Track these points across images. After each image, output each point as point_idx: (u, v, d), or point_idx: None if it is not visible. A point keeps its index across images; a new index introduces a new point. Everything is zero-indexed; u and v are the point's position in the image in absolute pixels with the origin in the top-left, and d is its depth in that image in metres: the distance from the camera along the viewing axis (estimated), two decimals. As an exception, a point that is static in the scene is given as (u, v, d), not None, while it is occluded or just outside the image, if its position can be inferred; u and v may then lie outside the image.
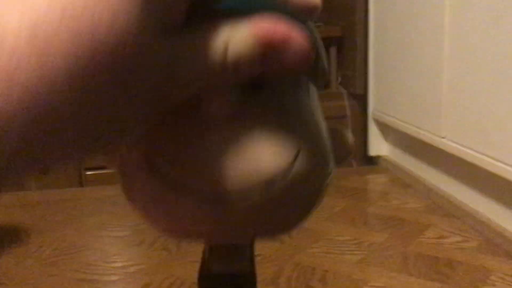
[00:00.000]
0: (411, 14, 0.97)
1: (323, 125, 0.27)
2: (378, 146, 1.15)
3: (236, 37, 0.14)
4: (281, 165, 0.23)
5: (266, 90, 0.24)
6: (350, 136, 0.29)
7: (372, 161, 1.15)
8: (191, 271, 0.68)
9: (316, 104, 0.27)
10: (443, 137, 0.86)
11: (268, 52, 0.14)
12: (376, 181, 1.07)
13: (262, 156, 0.22)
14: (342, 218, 0.86)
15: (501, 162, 0.71)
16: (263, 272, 0.66)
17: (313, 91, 0.28)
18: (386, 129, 1.13)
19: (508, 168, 0.70)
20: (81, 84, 0.11)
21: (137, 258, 0.72)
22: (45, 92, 0.11)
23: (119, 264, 0.71)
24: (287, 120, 0.24)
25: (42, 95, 0.11)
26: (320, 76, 0.26)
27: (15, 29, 0.10)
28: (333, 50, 1.27)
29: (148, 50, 0.12)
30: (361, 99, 1.19)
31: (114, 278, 0.68)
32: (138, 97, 0.13)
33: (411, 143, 1.02)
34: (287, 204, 0.25)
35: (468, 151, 0.78)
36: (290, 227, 0.27)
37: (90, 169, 1.45)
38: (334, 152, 0.27)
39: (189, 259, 0.71)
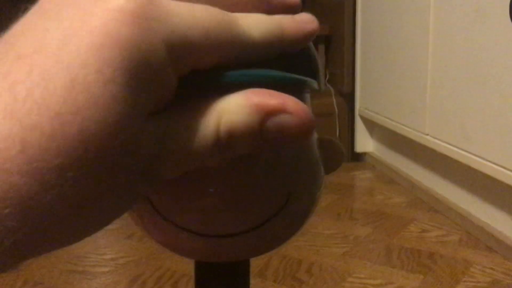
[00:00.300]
0: (397, 14, 0.99)
1: (314, 143, 0.29)
2: (364, 143, 1.17)
3: (230, 108, 0.13)
4: (272, 210, 0.25)
5: None
6: (341, 147, 0.30)
7: (358, 158, 1.17)
8: (180, 263, 0.69)
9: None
10: (427, 134, 0.88)
11: (265, 120, 0.13)
12: (362, 177, 1.09)
13: (254, 202, 0.24)
14: (328, 213, 0.88)
15: (481, 158, 0.73)
16: (250, 264, 0.67)
17: (307, 98, 0.29)
18: (372, 126, 1.16)
19: (488, 163, 0.72)
20: (72, 180, 0.11)
21: (127, 250, 0.74)
22: (38, 191, 0.11)
23: (110, 256, 0.72)
24: (278, 164, 0.26)
25: (34, 194, 0.11)
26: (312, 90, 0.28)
27: (6, 137, 0.10)
28: (321, 48, 1.29)
29: (139, 134, 0.12)
30: (348, 97, 1.21)
31: (104, 269, 0.69)
32: (129, 179, 0.12)
33: (396, 140, 1.05)
34: (277, 233, 0.27)
35: (450, 147, 0.81)
36: (280, 244, 0.29)
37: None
38: (325, 163, 0.29)
39: (178, 251, 0.72)
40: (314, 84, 0.25)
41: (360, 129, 1.16)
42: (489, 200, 0.78)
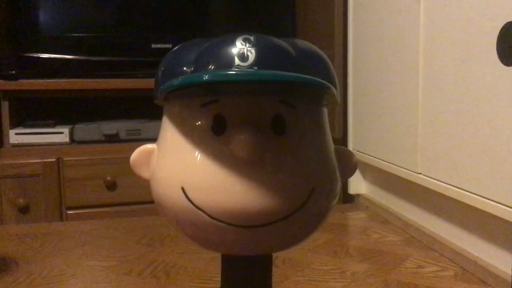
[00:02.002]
0: (387, 57, 1.03)
1: (332, 148, 0.31)
2: (357, 184, 1.20)
3: None
4: (297, 204, 0.27)
5: (286, 134, 0.28)
6: (354, 156, 0.33)
7: (351, 199, 1.19)
8: (180, 297, 0.70)
9: (327, 127, 0.32)
10: (419, 173, 0.91)
11: None
12: (356, 217, 1.11)
13: (280, 195, 0.26)
14: (325, 250, 0.89)
15: (473, 193, 0.76)
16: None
17: (325, 113, 0.32)
18: (365, 168, 1.18)
19: (479, 198, 0.74)
20: None
21: (126, 285, 0.74)
22: None
23: (109, 291, 0.72)
24: (304, 161, 0.28)
25: None
26: (332, 100, 0.30)
27: None
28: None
29: None
30: (341, 142, 1.25)
31: (104, 303, 0.69)
32: None
33: (389, 180, 1.07)
34: (300, 227, 0.29)
35: (443, 184, 0.83)
36: (301, 241, 0.31)
37: (71, 208, 1.46)
38: (341, 171, 0.31)
39: (178, 286, 0.73)
40: (334, 91, 0.28)
41: (353, 171, 1.19)
42: (482, 235, 0.80)
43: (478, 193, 0.75)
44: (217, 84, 0.26)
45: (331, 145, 0.32)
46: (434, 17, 0.87)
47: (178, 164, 0.28)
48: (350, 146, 1.20)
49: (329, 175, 0.30)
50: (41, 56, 1.53)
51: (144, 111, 1.53)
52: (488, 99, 0.73)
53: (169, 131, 0.30)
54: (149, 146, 0.31)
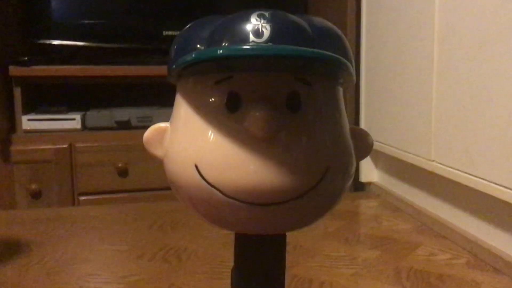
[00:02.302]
0: (401, 46, 1.02)
1: (347, 128, 0.31)
2: (369, 172, 1.19)
3: None
4: (312, 182, 0.27)
5: (301, 111, 0.28)
6: (370, 136, 0.32)
7: (363, 187, 1.19)
8: (191, 281, 0.70)
9: (342, 107, 0.31)
10: (432, 160, 0.90)
11: None
12: (367, 205, 1.10)
13: (295, 173, 0.26)
14: (336, 237, 0.89)
15: (487, 180, 0.75)
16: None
17: (341, 92, 0.31)
18: (377, 156, 1.18)
19: (493, 185, 0.74)
20: None
21: (138, 269, 0.74)
22: None
23: (121, 274, 0.72)
24: (319, 139, 0.28)
25: None
26: (348, 78, 0.30)
27: None
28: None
29: None
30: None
31: (116, 286, 0.69)
32: None
33: (401, 168, 1.06)
34: (315, 207, 0.28)
35: (456, 171, 0.82)
36: (314, 221, 0.30)
37: (83, 194, 1.47)
38: (356, 151, 0.31)
39: (189, 270, 0.73)
40: (351, 69, 0.27)
41: (365, 158, 1.18)
42: (495, 223, 0.80)
43: (492, 180, 0.75)
44: (231, 59, 0.26)
45: (347, 125, 0.31)
46: (449, 4, 0.86)
47: (192, 142, 0.28)
48: (362, 134, 1.18)
49: (344, 154, 0.30)
50: (53, 42, 1.54)
51: (155, 98, 1.53)
52: (502, 86, 0.72)
53: (182, 108, 0.30)
54: (162, 124, 0.31)
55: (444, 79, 0.87)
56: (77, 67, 1.48)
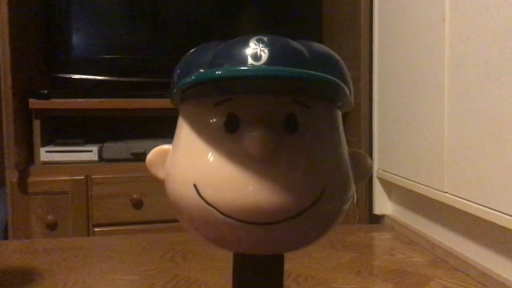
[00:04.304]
0: (412, 77, 1.03)
1: (345, 150, 0.31)
2: (382, 204, 1.18)
3: None
4: (308, 202, 0.27)
5: (299, 133, 0.29)
6: (368, 159, 0.33)
7: (376, 220, 1.18)
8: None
9: (340, 129, 0.32)
10: (445, 192, 0.89)
11: None
12: (381, 238, 1.09)
13: (292, 193, 0.26)
14: (348, 269, 0.88)
15: (499, 211, 0.74)
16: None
17: (339, 115, 0.32)
18: (390, 188, 1.17)
19: (506, 216, 0.73)
20: None
21: (148, 298, 0.74)
22: None
23: (131, 303, 0.72)
24: (316, 160, 0.28)
25: None
26: (345, 102, 0.31)
27: None
28: (339, 114, 1.33)
29: None
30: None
31: (125, 315, 0.69)
32: None
33: (415, 200, 1.05)
34: (312, 227, 0.29)
35: (469, 203, 0.82)
36: (312, 242, 0.31)
37: (98, 226, 1.48)
38: (355, 173, 0.31)
39: (199, 300, 0.73)
40: (347, 91, 0.28)
41: (378, 191, 1.18)
42: (508, 255, 0.78)
43: (506, 212, 0.74)
44: (230, 82, 0.27)
45: (345, 147, 0.32)
46: (459, 34, 0.87)
47: (191, 162, 0.29)
48: (376, 166, 1.18)
49: (341, 175, 0.30)
50: (72, 76, 1.57)
51: (170, 130, 1.55)
52: (514, 115, 0.72)
53: (183, 130, 0.30)
54: (165, 146, 0.32)
55: (455, 110, 0.87)
56: (95, 100, 1.51)
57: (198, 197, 0.28)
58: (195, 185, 0.29)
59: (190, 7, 1.68)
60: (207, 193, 0.28)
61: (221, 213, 0.27)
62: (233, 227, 0.28)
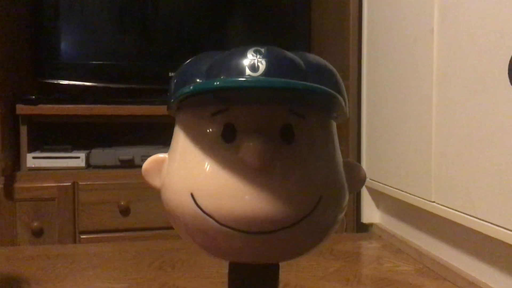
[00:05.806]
0: (401, 88, 1.04)
1: (340, 160, 0.32)
2: (370, 213, 1.19)
3: None
4: (304, 211, 0.28)
5: (295, 143, 0.29)
6: (362, 169, 0.33)
7: (364, 228, 1.18)
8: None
9: (335, 140, 0.32)
10: (433, 201, 0.90)
11: None
12: (369, 246, 1.10)
13: (288, 203, 0.27)
14: (337, 278, 0.88)
15: (487, 221, 0.75)
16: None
17: (334, 125, 0.32)
18: (378, 197, 1.18)
19: (493, 226, 0.73)
20: None
21: (136, 307, 0.74)
22: None
23: (119, 312, 0.72)
24: (312, 170, 0.29)
25: None
26: (341, 113, 0.31)
27: None
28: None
29: None
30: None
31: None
32: None
33: (403, 209, 1.06)
34: (308, 236, 0.29)
35: (456, 213, 0.82)
36: (307, 251, 0.31)
37: (85, 233, 1.47)
38: (349, 184, 0.32)
39: (187, 308, 0.72)
40: (343, 102, 0.28)
41: (366, 199, 1.19)
42: (497, 265, 0.79)
43: (493, 222, 0.74)
44: (228, 92, 0.27)
45: (340, 157, 0.32)
46: (447, 46, 0.88)
47: (188, 171, 0.29)
48: (364, 175, 1.19)
49: (337, 185, 0.30)
50: (61, 82, 1.57)
51: (159, 137, 1.55)
52: (501, 126, 0.73)
53: (180, 139, 0.31)
54: (161, 155, 0.32)
55: (443, 120, 0.89)
56: (83, 106, 1.50)
57: (195, 206, 0.28)
58: (192, 194, 0.29)
59: (179, 14, 1.69)
60: (203, 202, 0.28)
61: (218, 222, 0.27)
62: (229, 236, 0.28)
